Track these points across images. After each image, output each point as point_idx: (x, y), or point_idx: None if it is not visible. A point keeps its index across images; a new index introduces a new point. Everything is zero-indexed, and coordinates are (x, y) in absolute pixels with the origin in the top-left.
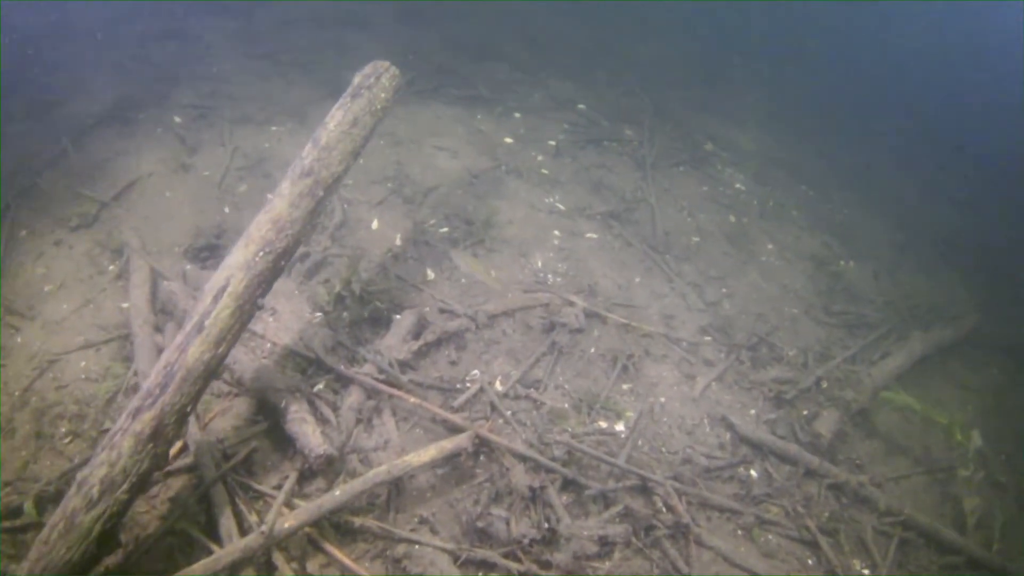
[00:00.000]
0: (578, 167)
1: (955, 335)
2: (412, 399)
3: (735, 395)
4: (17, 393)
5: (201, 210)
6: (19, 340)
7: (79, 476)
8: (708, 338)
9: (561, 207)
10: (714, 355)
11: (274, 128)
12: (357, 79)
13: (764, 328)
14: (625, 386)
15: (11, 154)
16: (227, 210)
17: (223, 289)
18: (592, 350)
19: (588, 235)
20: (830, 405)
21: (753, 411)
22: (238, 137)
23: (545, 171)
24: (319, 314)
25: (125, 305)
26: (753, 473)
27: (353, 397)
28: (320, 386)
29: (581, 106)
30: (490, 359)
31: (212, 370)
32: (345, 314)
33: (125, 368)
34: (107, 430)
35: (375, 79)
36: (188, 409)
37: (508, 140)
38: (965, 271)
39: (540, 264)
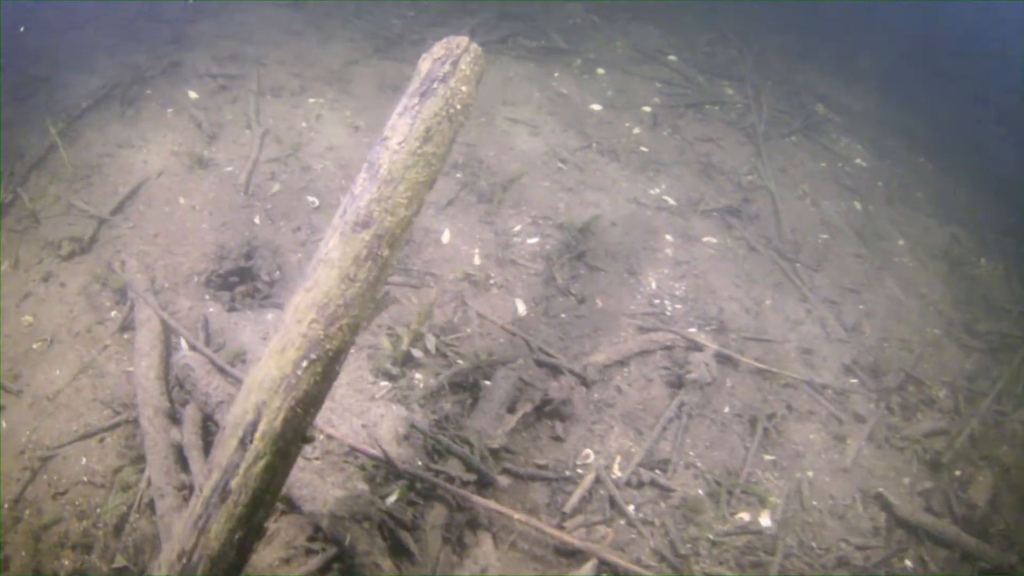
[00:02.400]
0: (681, 142)
1: None
2: (516, 515)
3: (887, 459)
4: (7, 505)
5: (224, 221)
6: (4, 425)
7: None
8: (854, 380)
9: (670, 200)
10: (863, 406)
11: (311, 100)
12: (424, 66)
13: (909, 359)
14: (767, 457)
15: None
16: (257, 220)
17: (252, 426)
18: (726, 409)
19: (705, 239)
20: (984, 465)
21: (907, 479)
22: (267, 115)
23: (644, 148)
24: (384, 383)
25: (132, 370)
26: (908, 563)
27: (437, 511)
28: (393, 497)
29: (672, 57)
30: (604, 431)
31: (248, 549)
32: (418, 377)
33: (136, 471)
34: (120, 569)
35: (451, 66)
36: None
37: (595, 107)
38: None
39: (654, 286)
